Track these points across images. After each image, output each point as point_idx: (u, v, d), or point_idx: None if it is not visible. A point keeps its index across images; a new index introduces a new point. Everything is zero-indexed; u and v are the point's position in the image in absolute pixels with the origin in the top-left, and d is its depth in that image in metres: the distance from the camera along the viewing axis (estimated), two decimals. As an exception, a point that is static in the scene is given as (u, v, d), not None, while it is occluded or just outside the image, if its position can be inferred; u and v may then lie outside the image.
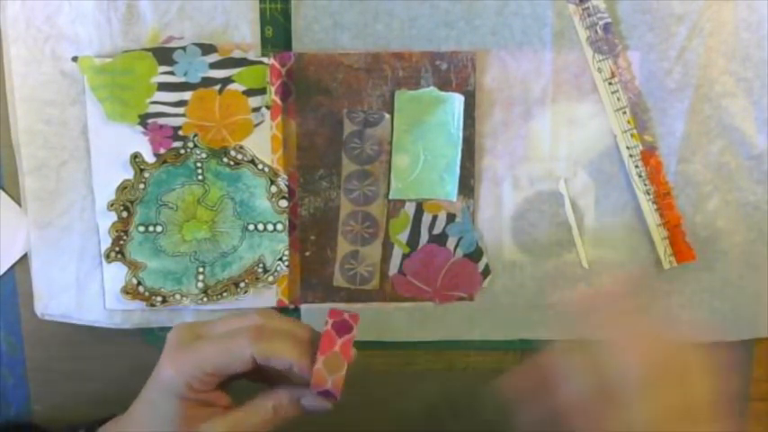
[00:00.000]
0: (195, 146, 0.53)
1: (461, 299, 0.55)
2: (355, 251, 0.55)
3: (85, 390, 0.56)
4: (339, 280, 0.55)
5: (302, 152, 0.54)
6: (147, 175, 0.53)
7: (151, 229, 0.54)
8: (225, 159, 0.53)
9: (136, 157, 0.53)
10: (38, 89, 0.53)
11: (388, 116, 0.53)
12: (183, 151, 0.53)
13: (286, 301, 0.55)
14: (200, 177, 0.53)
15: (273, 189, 0.53)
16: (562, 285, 0.54)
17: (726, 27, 0.51)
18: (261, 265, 0.54)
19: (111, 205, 0.53)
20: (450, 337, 0.56)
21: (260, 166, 0.53)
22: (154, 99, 0.52)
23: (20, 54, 0.52)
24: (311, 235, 0.54)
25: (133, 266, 0.54)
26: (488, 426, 0.45)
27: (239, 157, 0.53)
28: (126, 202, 0.53)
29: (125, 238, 0.54)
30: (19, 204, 0.54)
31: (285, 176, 0.53)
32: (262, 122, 0.53)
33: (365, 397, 0.57)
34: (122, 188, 0.53)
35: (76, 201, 0.54)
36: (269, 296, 0.55)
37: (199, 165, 0.53)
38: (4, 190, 0.54)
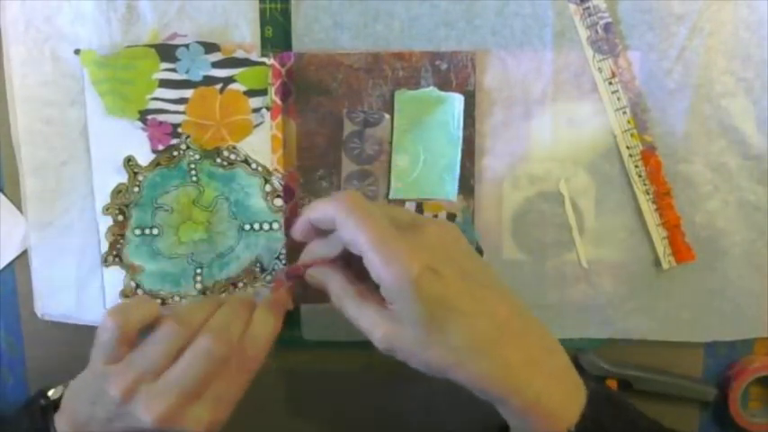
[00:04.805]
0: (188, 147, 0.53)
1: (461, 299, 0.55)
2: (355, 252, 0.55)
3: (85, 390, 0.56)
4: (339, 280, 0.55)
5: (302, 152, 0.54)
6: (140, 178, 0.53)
7: (147, 231, 0.54)
8: (218, 160, 0.53)
9: (129, 160, 0.53)
10: (38, 89, 0.53)
11: (387, 116, 0.53)
12: (176, 153, 0.53)
13: (286, 301, 0.55)
14: (194, 179, 0.53)
15: (268, 188, 0.53)
16: (562, 285, 0.55)
17: (726, 27, 0.51)
18: (258, 265, 0.54)
19: (107, 209, 0.53)
20: (450, 338, 0.56)
21: (253, 166, 0.53)
22: (154, 95, 0.52)
23: (20, 54, 0.52)
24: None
25: (131, 270, 0.54)
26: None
27: (232, 157, 0.53)
28: (121, 205, 0.53)
29: (122, 241, 0.54)
30: (15, 204, 0.54)
31: (279, 175, 0.53)
32: (261, 123, 0.53)
33: (365, 397, 0.57)
34: (117, 192, 0.53)
35: (76, 201, 0.54)
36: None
37: (192, 166, 0.53)
38: (2, 191, 0.55)
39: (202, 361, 0.45)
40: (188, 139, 0.53)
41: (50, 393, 0.48)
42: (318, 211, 0.44)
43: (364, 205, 0.42)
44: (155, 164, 0.53)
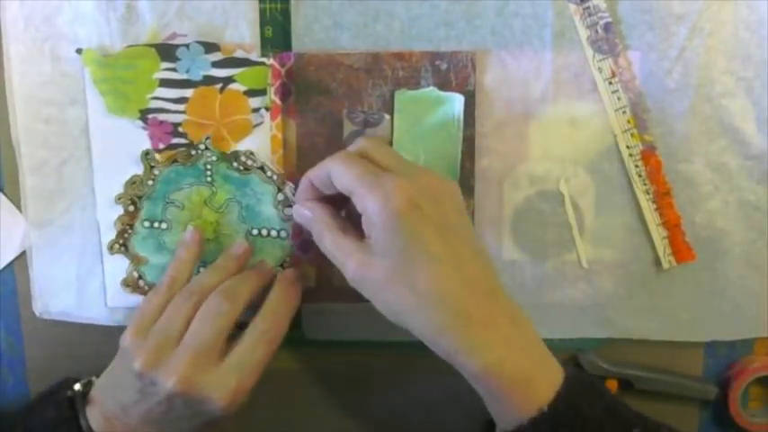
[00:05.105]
0: (207, 148, 0.53)
1: (461, 299, 0.55)
2: (355, 252, 0.54)
3: (85, 390, 0.56)
4: (340, 280, 0.55)
5: (302, 152, 0.54)
6: (156, 172, 0.53)
7: (156, 225, 0.54)
8: (235, 164, 0.53)
9: (147, 153, 0.53)
10: (37, 89, 0.53)
11: (387, 117, 0.53)
12: (193, 152, 0.53)
13: (286, 301, 0.55)
14: (208, 179, 0.54)
15: (280, 197, 0.53)
16: (562, 285, 0.55)
17: (726, 27, 0.51)
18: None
19: (119, 198, 0.53)
20: (450, 337, 0.56)
21: (269, 174, 0.53)
22: (155, 95, 0.52)
23: (19, 54, 0.52)
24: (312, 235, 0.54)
25: (135, 260, 0.54)
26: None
27: (249, 162, 0.53)
28: (133, 196, 0.54)
29: (129, 231, 0.54)
30: (15, 204, 0.54)
31: (293, 185, 0.53)
32: (261, 123, 0.53)
33: (365, 397, 0.57)
34: (131, 183, 0.53)
35: (77, 200, 0.54)
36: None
37: (209, 167, 0.53)
38: (2, 190, 0.55)
39: (210, 320, 0.46)
40: (208, 140, 0.53)
41: (76, 387, 0.49)
42: (317, 169, 0.46)
43: (354, 156, 0.45)
44: (171, 160, 0.53)
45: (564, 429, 0.41)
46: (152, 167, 0.53)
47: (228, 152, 0.53)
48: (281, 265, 0.54)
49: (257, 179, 0.53)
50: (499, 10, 0.51)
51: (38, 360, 0.57)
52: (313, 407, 0.58)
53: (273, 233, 0.54)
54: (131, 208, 0.54)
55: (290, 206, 0.53)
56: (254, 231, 0.54)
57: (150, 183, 0.53)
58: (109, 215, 0.54)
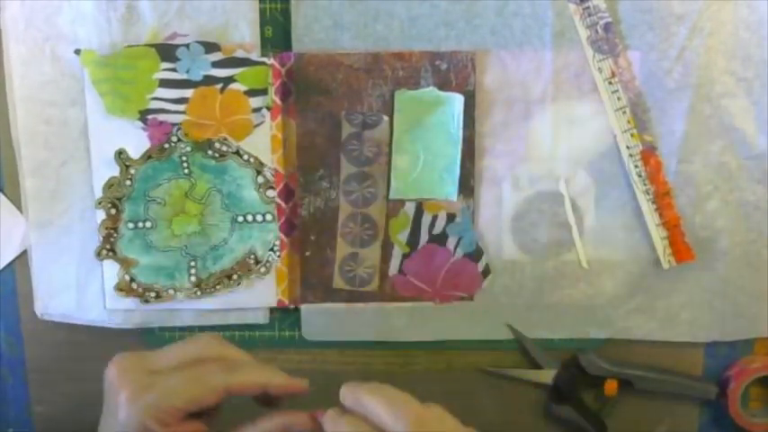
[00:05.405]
0: (179, 139, 0.53)
1: (461, 299, 0.55)
2: (354, 253, 0.55)
3: (86, 390, 0.56)
4: (339, 282, 0.55)
5: (302, 152, 0.54)
6: (132, 171, 0.53)
7: (140, 225, 0.54)
8: (210, 152, 0.53)
9: (121, 153, 0.53)
10: (38, 89, 0.53)
11: (386, 118, 0.53)
12: (167, 145, 0.53)
13: (286, 302, 0.55)
14: (186, 171, 0.53)
15: (260, 179, 0.53)
16: (562, 285, 0.55)
17: (726, 27, 0.51)
18: (252, 257, 0.54)
19: (99, 203, 0.53)
20: (450, 337, 0.56)
21: (245, 157, 0.53)
22: (155, 95, 0.52)
23: (20, 54, 0.52)
24: (311, 235, 0.54)
25: (125, 263, 0.54)
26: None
27: (224, 148, 0.53)
28: (113, 199, 0.53)
29: (115, 235, 0.54)
30: (15, 204, 0.54)
31: (271, 166, 0.53)
32: (262, 123, 0.53)
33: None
34: (109, 185, 0.53)
35: (76, 201, 0.54)
36: (269, 295, 0.55)
37: (184, 158, 0.53)
38: (2, 190, 0.55)
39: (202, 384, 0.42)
40: (179, 131, 0.53)
41: None
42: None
43: None
44: (146, 156, 0.53)
45: None
46: (127, 167, 0.53)
47: (202, 140, 0.53)
48: (272, 249, 0.54)
49: (234, 164, 0.53)
50: (499, 10, 0.51)
51: (38, 360, 0.57)
52: (313, 407, 0.58)
53: (259, 218, 0.54)
54: (113, 211, 0.54)
55: (272, 187, 0.53)
56: (240, 218, 0.54)
57: (128, 183, 0.53)
58: (100, 212, 0.54)
